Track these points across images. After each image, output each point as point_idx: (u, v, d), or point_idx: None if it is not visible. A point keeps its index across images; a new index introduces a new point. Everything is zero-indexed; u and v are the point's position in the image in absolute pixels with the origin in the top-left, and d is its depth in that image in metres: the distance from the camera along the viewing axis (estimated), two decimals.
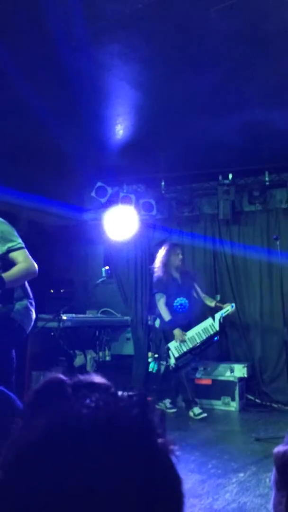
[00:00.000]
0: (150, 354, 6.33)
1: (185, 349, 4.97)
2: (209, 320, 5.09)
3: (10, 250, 2.71)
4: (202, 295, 5.25)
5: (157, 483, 0.44)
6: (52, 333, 5.53)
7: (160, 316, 5.22)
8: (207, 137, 4.89)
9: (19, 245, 2.74)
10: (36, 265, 2.76)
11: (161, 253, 5.18)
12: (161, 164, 5.73)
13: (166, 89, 3.96)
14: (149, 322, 6.43)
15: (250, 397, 5.53)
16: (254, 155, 5.39)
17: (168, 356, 5.05)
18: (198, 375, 5.41)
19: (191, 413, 4.81)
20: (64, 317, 5.43)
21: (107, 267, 6.42)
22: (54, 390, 0.49)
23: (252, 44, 3.29)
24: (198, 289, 5.24)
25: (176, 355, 4.96)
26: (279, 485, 0.83)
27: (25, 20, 2.97)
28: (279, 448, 0.87)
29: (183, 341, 4.96)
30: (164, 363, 5.36)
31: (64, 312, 5.58)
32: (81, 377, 0.53)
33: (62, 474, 0.41)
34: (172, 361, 4.99)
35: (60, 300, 6.19)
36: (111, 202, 5.87)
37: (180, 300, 5.17)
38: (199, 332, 5.04)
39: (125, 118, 4.54)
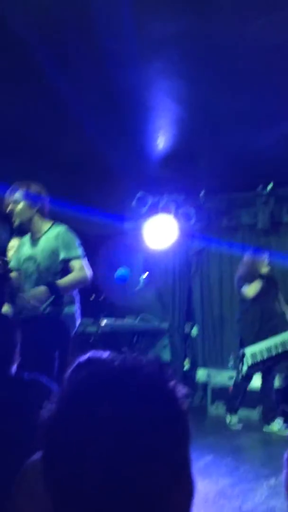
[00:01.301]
0: (186, 361, 6.42)
1: (259, 359, 4.74)
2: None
3: (69, 259, 2.89)
4: (285, 306, 5.00)
5: (168, 414, 0.61)
6: (91, 340, 5.72)
7: (239, 319, 5.05)
8: (247, 148, 4.97)
9: (78, 254, 2.91)
10: (89, 275, 2.91)
11: (245, 258, 5.05)
12: (200, 174, 5.84)
13: (206, 103, 4.10)
14: (186, 330, 6.52)
15: (286, 409, 5.48)
16: None
17: (242, 362, 4.84)
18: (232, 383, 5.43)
19: (227, 419, 4.79)
20: (103, 322, 5.62)
21: (146, 275, 6.57)
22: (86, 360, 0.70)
23: None
24: (281, 299, 5.01)
25: (250, 363, 4.75)
26: None
27: (79, 40, 3.19)
28: None
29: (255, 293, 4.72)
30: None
31: (104, 317, 5.77)
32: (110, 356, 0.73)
33: (102, 403, 0.58)
34: (245, 368, 4.79)
35: (100, 306, 6.39)
36: (151, 211, 6.03)
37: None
38: (276, 344, 4.76)
39: (166, 130, 4.71)
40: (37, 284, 2.92)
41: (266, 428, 4.67)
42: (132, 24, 2.95)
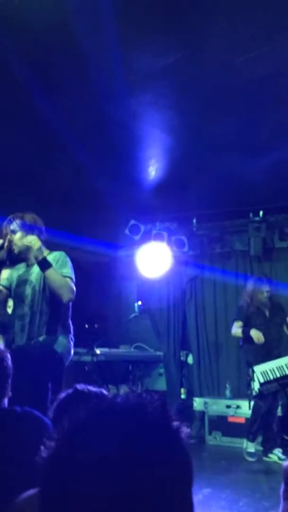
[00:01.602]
0: (182, 390, 6.32)
1: (271, 377, 4.64)
2: None
3: (63, 276, 2.90)
4: None
5: (171, 455, 0.59)
6: (86, 368, 5.65)
7: (241, 343, 4.98)
8: (237, 176, 5.05)
9: (69, 275, 2.94)
10: (73, 295, 2.92)
11: (248, 287, 5.02)
12: (192, 202, 5.91)
13: (196, 132, 4.18)
14: (182, 358, 6.45)
15: (285, 437, 5.39)
16: (285, 192, 5.49)
17: (252, 380, 4.76)
18: (231, 412, 5.35)
19: (273, 457, 4.56)
20: (98, 351, 5.56)
21: (139, 303, 6.55)
22: (76, 399, 0.68)
23: (277, 88, 3.48)
24: None
25: (262, 380, 4.66)
26: (286, 495, 0.92)
27: (69, 73, 3.27)
28: (287, 463, 0.96)
29: (260, 339, 4.64)
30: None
31: (98, 346, 5.71)
32: (95, 389, 0.71)
33: (103, 443, 0.57)
34: (256, 385, 4.69)
35: (94, 334, 6.34)
36: (144, 239, 6.06)
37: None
38: (287, 365, 4.69)
39: (157, 160, 4.78)
40: (32, 307, 2.92)
41: (266, 458, 4.58)
42: (121, 58, 3.03)
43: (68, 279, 2.92)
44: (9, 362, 1.96)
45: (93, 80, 3.30)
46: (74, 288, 2.93)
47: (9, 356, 1.99)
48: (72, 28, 2.78)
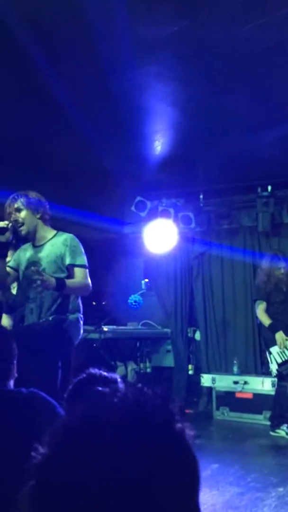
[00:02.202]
0: (190, 366, 6.35)
1: None
2: None
3: (75, 265, 2.88)
4: None
5: (175, 461, 0.53)
6: (94, 345, 5.67)
7: (258, 321, 4.97)
8: (245, 150, 4.93)
9: (83, 263, 2.92)
10: (90, 286, 2.93)
11: (263, 263, 4.95)
12: (199, 177, 5.80)
13: (202, 106, 4.06)
14: (189, 335, 6.46)
15: None
16: None
17: (270, 361, 4.71)
18: (238, 388, 5.37)
19: (280, 432, 4.53)
20: (106, 329, 5.57)
21: (146, 280, 6.52)
22: (88, 384, 0.61)
23: (285, 58, 3.34)
24: None
25: (279, 361, 4.57)
26: None
27: (74, 43, 3.15)
28: None
29: (286, 347, 4.54)
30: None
31: (105, 324, 5.72)
32: (108, 374, 0.64)
33: (99, 446, 0.51)
34: (274, 366, 4.64)
35: (101, 312, 6.35)
36: (150, 215, 5.98)
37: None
38: None
39: (163, 134, 4.67)
40: (42, 290, 2.88)
41: (273, 433, 4.60)
42: (126, 28, 2.91)
43: (81, 271, 2.89)
44: (13, 343, 1.94)
45: (98, 50, 3.18)
46: (89, 280, 2.92)
47: (13, 337, 1.97)
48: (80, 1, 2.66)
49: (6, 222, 2.82)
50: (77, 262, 2.89)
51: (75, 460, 0.51)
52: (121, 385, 0.61)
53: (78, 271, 2.88)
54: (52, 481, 0.52)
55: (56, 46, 3.19)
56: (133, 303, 5.22)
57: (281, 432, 4.56)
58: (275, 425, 4.62)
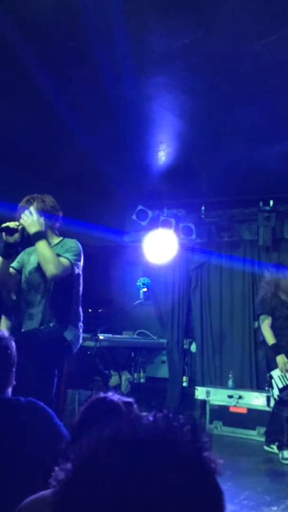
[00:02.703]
0: (184, 378, 6.30)
1: None
2: None
3: (62, 256, 2.81)
4: None
5: (201, 491, 0.52)
6: (88, 352, 5.62)
7: (262, 338, 4.73)
8: (249, 164, 4.94)
9: (70, 258, 2.81)
10: (59, 274, 2.75)
11: (269, 275, 4.71)
12: (202, 189, 5.81)
13: (209, 118, 4.07)
14: (185, 346, 6.42)
15: None
16: None
17: (271, 386, 4.52)
18: (233, 402, 5.32)
19: (280, 455, 4.30)
20: (101, 337, 5.53)
21: (145, 289, 6.49)
22: (109, 407, 0.58)
23: None
24: None
25: (280, 385, 4.37)
26: None
27: (74, 53, 3.16)
28: None
29: (287, 370, 4.36)
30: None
31: (101, 332, 5.68)
32: (121, 397, 0.62)
33: (127, 469, 0.49)
34: (275, 392, 4.45)
35: (97, 320, 6.30)
36: (151, 225, 5.97)
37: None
38: None
39: (167, 144, 4.67)
40: (43, 295, 2.86)
41: (267, 447, 4.53)
42: (132, 38, 2.91)
43: (63, 259, 2.79)
44: (14, 350, 1.91)
45: (102, 60, 3.18)
46: (63, 267, 2.76)
47: (13, 344, 1.93)
48: (79, 6, 2.66)
49: (17, 223, 2.80)
50: (65, 255, 2.82)
51: (100, 480, 0.49)
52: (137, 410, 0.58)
53: (61, 258, 2.80)
54: (75, 498, 0.49)
55: (56, 54, 3.19)
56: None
57: (274, 447, 4.49)
58: (270, 441, 4.56)
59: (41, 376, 2.64)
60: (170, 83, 3.40)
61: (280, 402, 4.42)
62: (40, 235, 2.75)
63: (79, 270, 2.91)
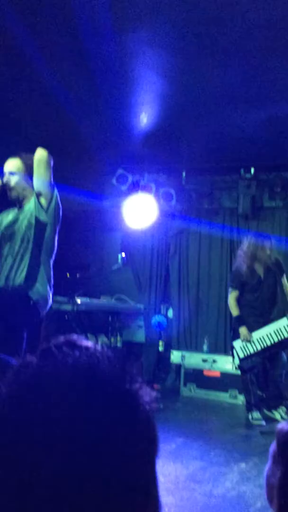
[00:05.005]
0: (160, 342, 6.40)
1: (252, 351, 4.43)
2: (284, 321, 4.44)
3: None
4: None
5: (127, 422, 0.49)
6: (66, 316, 5.63)
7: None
8: (231, 130, 4.87)
9: (50, 204, 2.91)
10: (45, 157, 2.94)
11: (246, 244, 4.64)
12: (183, 154, 5.72)
13: (192, 79, 3.96)
14: (162, 311, 6.49)
15: (259, 392, 5.54)
16: (278, 150, 5.35)
17: (232, 356, 4.65)
18: (207, 366, 5.45)
19: (249, 416, 4.41)
20: (79, 301, 5.52)
21: (123, 254, 6.48)
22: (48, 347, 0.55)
23: (282, 34, 3.26)
24: (286, 283, 4.63)
25: (241, 356, 4.48)
26: (276, 459, 0.87)
27: (51, 6, 3.00)
28: (283, 425, 0.90)
29: (247, 341, 4.45)
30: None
31: (79, 296, 5.67)
32: (81, 340, 0.58)
33: (49, 406, 0.47)
34: (236, 361, 4.59)
35: (75, 284, 6.28)
36: (131, 190, 5.90)
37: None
38: (270, 333, 4.42)
39: (149, 106, 4.55)
40: (14, 250, 2.85)
41: (268, 413, 4.51)
42: None
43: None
44: None
45: (78, 13, 3.03)
46: (49, 170, 2.91)
47: None
48: None
49: None
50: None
51: (20, 419, 0.47)
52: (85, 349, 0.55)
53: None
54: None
55: (34, 10, 3.02)
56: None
57: (276, 414, 4.48)
58: (273, 406, 4.54)
59: (7, 335, 2.62)
60: (153, 38, 3.27)
61: (242, 371, 4.55)
62: None
63: (51, 219, 2.89)
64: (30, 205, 2.91)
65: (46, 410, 0.46)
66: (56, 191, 2.95)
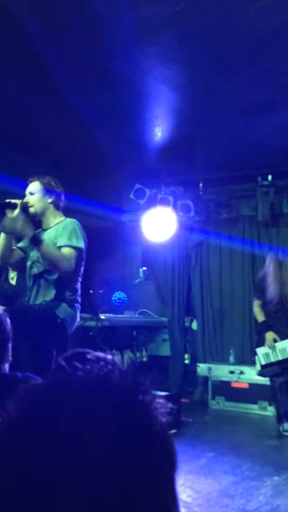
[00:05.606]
0: (186, 355, 6.34)
1: (273, 360, 4.42)
2: None
3: (65, 245, 2.83)
4: None
5: (138, 437, 0.46)
6: (90, 333, 5.64)
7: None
8: (246, 138, 4.86)
9: (73, 244, 2.85)
10: (71, 266, 2.81)
11: (268, 262, 4.65)
12: (199, 165, 5.74)
13: (204, 90, 3.98)
14: (186, 324, 6.44)
15: None
16: None
17: (254, 362, 4.68)
18: (234, 378, 5.36)
19: (280, 427, 4.32)
20: (102, 317, 5.53)
21: (144, 268, 6.48)
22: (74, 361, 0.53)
23: None
24: None
25: (263, 362, 4.49)
26: None
27: (76, 24, 3.07)
28: None
29: (273, 346, 4.43)
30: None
31: (102, 312, 5.68)
32: (98, 354, 0.57)
33: (59, 422, 0.45)
34: (257, 368, 4.59)
35: (99, 300, 6.30)
36: (149, 203, 5.92)
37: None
38: None
39: (163, 120, 4.59)
40: (40, 269, 2.89)
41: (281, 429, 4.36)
42: (128, 6, 2.82)
43: (67, 250, 2.82)
44: (8, 326, 1.90)
45: (99, 30, 3.09)
46: (72, 260, 2.81)
47: (8, 320, 1.92)
48: None
49: (18, 201, 2.87)
50: (67, 243, 2.84)
51: (31, 436, 0.45)
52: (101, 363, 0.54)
53: (66, 250, 2.83)
54: (6, 458, 0.45)
55: (57, 26, 3.10)
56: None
57: (286, 425, 4.33)
58: (280, 421, 4.41)
59: (35, 353, 2.64)
60: (162, 53, 3.31)
61: (270, 379, 4.48)
62: (35, 240, 2.79)
63: (83, 253, 2.93)
64: (54, 232, 2.93)
65: (55, 427, 0.45)
66: (76, 224, 2.96)
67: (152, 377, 0.52)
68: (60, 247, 2.84)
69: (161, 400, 0.50)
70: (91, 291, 6.59)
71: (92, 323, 5.54)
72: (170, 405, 0.50)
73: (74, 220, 2.98)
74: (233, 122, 4.52)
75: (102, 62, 3.43)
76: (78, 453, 0.43)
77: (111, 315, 5.74)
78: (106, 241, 6.67)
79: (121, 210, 6.46)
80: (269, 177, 5.61)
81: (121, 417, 0.46)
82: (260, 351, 4.53)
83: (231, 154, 5.31)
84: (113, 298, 5.24)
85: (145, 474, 0.45)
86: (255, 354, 4.61)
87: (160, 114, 4.44)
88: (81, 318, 5.31)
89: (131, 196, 5.88)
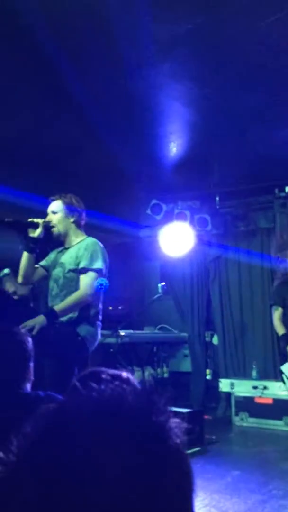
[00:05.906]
0: (208, 371, 6.26)
1: None
2: None
3: (83, 269, 2.88)
4: None
5: (153, 458, 0.46)
6: (111, 350, 5.62)
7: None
8: (261, 150, 4.85)
9: (94, 268, 2.89)
10: (90, 292, 2.86)
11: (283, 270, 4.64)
12: (215, 179, 5.74)
13: (218, 105, 4.00)
14: (207, 339, 6.37)
15: None
16: None
17: (283, 381, 4.52)
18: (258, 393, 5.26)
19: None
20: (122, 333, 5.52)
21: (163, 283, 6.45)
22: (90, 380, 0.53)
23: None
24: None
25: None
26: None
27: (96, 46, 3.13)
28: None
29: None
30: None
31: (122, 328, 5.67)
32: (116, 372, 0.57)
33: (73, 446, 0.45)
34: (286, 385, 4.46)
35: (118, 316, 6.30)
36: (166, 218, 5.94)
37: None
38: None
39: (178, 135, 4.62)
40: (62, 289, 2.91)
41: None
42: (144, 26, 2.87)
43: (88, 276, 2.86)
44: (30, 345, 1.90)
45: (117, 49, 3.14)
46: (91, 284, 2.86)
47: (29, 339, 1.93)
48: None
49: (41, 220, 2.92)
50: (88, 266, 2.89)
51: (47, 459, 0.45)
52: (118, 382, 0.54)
53: (83, 277, 2.87)
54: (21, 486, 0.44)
55: (77, 47, 3.17)
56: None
57: None
58: None
59: (57, 372, 2.64)
60: (175, 70, 3.35)
61: None
62: (50, 316, 2.79)
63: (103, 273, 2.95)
64: (75, 251, 2.96)
65: (69, 450, 0.44)
66: (97, 245, 2.98)
67: (168, 395, 0.51)
68: (82, 270, 2.87)
69: (176, 420, 0.49)
70: (110, 308, 6.60)
71: (112, 340, 5.52)
72: (185, 424, 0.49)
73: (95, 240, 3.01)
74: (248, 134, 4.52)
75: (119, 81, 3.48)
76: (91, 475, 0.43)
77: (131, 331, 5.73)
78: (124, 257, 6.69)
79: (139, 225, 6.49)
80: (286, 189, 5.59)
81: (135, 438, 0.45)
82: (285, 368, 4.40)
83: (247, 167, 5.31)
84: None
85: (160, 494, 0.44)
86: (281, 372, 4.47)
87: (173, 129, 4.48)
88: (101, 335, 5.34)
89: (148, 211, 5.91)
